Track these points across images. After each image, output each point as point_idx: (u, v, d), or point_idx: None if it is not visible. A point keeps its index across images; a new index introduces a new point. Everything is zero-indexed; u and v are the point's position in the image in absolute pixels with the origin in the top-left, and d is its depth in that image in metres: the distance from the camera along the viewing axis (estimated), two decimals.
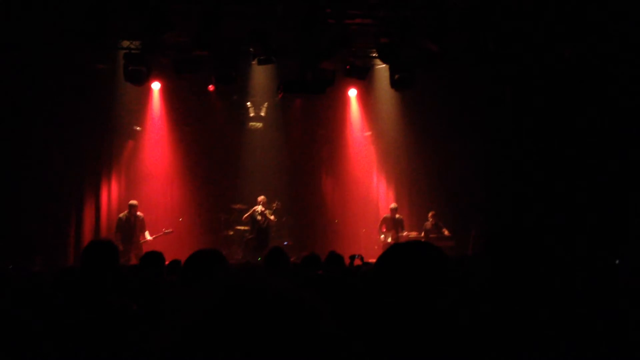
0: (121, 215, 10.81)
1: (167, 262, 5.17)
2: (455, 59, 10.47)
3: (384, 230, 11.96)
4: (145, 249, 10.58)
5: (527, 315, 2.06)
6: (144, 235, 10.92)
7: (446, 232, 11.43)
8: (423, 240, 11.46)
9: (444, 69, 10.76)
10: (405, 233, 11.82)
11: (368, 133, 13.13)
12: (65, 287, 2.57)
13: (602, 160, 9.70)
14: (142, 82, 10.84)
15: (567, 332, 2.13)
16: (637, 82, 9.13)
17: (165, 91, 12.21)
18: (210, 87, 12.37)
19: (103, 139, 11.41)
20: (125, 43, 10.66)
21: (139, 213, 10.99)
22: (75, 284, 2.63)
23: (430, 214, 11.63)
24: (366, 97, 12.92)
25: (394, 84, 11.39)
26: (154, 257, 3.58)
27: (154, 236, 11.04)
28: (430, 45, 10.27)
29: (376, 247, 12.05)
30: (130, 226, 10.78)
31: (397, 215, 12.02)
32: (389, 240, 11.74)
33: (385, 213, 12.24)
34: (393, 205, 12.16)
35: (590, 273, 2.92)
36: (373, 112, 12.98)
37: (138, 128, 12.05)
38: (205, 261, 2.66)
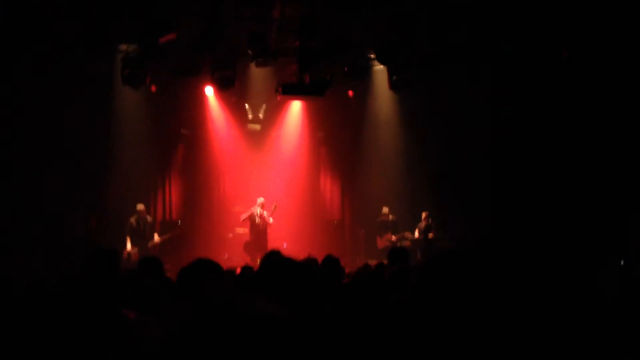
0: (132, 219, 10.86)
1: (165, 266, 5.16)
2: (453, 59, 10.47)
3: (381, 233, 12.17)
4: (154, 252, 10.70)
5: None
6: (153, 239, 10.99)
7: (430, 235, 11.42)
8: (419, 239, 11.53)
9: (442, 69, 10.76)
10: (395, 236, 12.00)
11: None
12: (64, 294, 2.58)
13: (604, 162, 9.74)
14: (140, 85, 10.84)
15: None
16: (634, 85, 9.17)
17: (163, 94, 12.18)
18: (209, 89, 12.37)
19: (103, 143, 11.35)
20: (123, 46, 10.65)
21: (148, 217, 11.05)
22: (76, 291, 2.64)
23: (424, 215, 11.65)
24: (365, 98, 12.92)
25: (392, 85, 11.41)
26: (151, 262, 3.58)
27: (161, 239, 11.15)
28: (428, 46, 10.29)
29: (376, 248, 12.11)
30: (140, 230, 10.84)
31: (390, 217, 12.13)
32: (387, 243, 11.90)
33: (380, 216, 12.33)
34: (385, 209, 12.26)
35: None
36: (372, 113, 12.98)
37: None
38: (200, 273, 2.69)
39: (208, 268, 2.79)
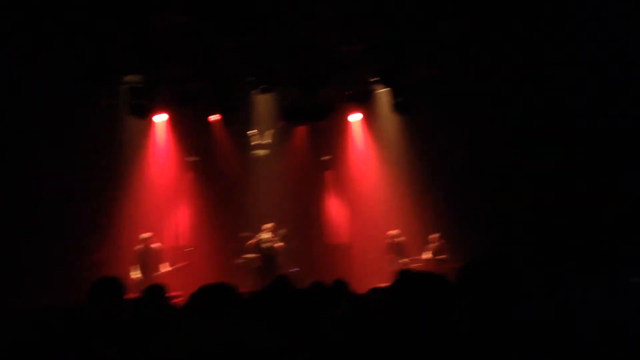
0: (139, 247, 10.87)
1: (172, 294, 5.11)
2: (454, 81, 10.52)
3: (390, 257, 11.96)
4: (164, 280, 10.63)
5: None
6: (161, 267, 10.96)
7: (442, 257, 11.31)
8: (431, 261, 11.41)
9: (444, 91, 10.80)
10: (407, 259, 11.74)
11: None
12: (67, 326, 2.55)
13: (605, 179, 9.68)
14: (146, 115, 10.93)
15: None
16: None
17: (169, 123, 12.28)
18: (214, 117, 12.44)
19: (110, 173, 11.41)
20: (128, 77, 10.75)
21: (153, 245, 11.05)
22: (79, 322, 2.61)
23: (435, 236, 11.56)
24: (369, 121, 12.95)
25: (395, 107, 11.44)
26: (155, 290, 3.54)
27: (172, 267, 11.11)
28: (429, 69, 10.34)
29: (386, 272, 11.97)
30: (148, 258, 10.84)
31: (398, 239, 11.96)
32: (399, 266, 11.71)
33: (388, 238, 12.18)
34: (392, 231, 12.07)
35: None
36: (376, 135, 13.00)
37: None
38: (212, 297, 2.65)
39: (221, 292, 2.75)
